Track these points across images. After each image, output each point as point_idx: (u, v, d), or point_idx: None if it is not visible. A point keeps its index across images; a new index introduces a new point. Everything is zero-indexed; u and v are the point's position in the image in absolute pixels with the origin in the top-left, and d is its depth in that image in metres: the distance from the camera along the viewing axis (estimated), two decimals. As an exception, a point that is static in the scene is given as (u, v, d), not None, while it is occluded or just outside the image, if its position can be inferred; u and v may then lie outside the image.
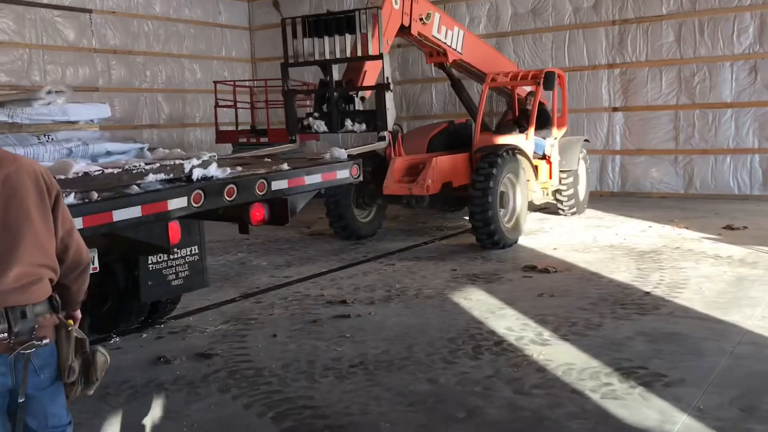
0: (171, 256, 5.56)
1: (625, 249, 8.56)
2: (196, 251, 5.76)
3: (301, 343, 5.43)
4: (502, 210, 8.52)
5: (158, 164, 3.87)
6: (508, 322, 5.77)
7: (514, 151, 8.73)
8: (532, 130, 9.40)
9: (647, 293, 6.52)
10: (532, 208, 10.86)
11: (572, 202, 10.52)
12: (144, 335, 5.80)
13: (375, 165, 9.08)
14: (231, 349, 5.35)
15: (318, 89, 7.57)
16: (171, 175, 3.88)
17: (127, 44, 16.31)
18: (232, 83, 15.06)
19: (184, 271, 5.69)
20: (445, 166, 8.69)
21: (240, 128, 14.78)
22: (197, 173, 3.94)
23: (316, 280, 7.59)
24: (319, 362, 4.98)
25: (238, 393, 4.48)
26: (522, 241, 9.18)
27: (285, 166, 4.53)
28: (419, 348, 5.21)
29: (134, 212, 3.41)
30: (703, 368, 4.59)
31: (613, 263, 7.82)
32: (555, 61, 14.49)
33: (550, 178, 9.85)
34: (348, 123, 7.19)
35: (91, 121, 4.30)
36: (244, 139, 14.12)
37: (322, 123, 7.35)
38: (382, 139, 6.84)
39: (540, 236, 9.54)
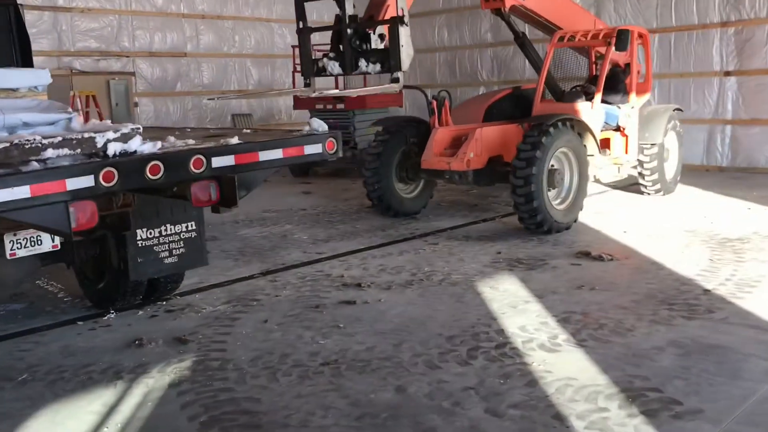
0: (163, 232, 5.24)
1: (705, 235, 7.45)
2: (193, 227, 5.40)
3: (287, 333, 4.98)
4: (551, 190, 7.61)
5: (60, 138, 3.49)
6: (525, 320, 5.04)
7: (569, 122, 7.73)
8: (598, 97, 8.33)
9: (707, 291, 5.54)
10: (608, 185, 9.83)
11: (656, 178, 9.34)
12: (140, 313, 5.56)
13: (420, 135, 8.41)
14: (213, 335, 4.99)
15: (333, 26, 6.82)
16: (78, 150, 3.49)
17: (216, 9, 16.31)
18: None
19: (178, 248, 5.36)
20: (492, 137, 7.86)
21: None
22: (114, 148, 3.52)
23: (347, 259, 7.11)
24: (293, 357, 4.51)
25: (187, 388, 4.10)
26: (591, 221, 8.26)
27: (234, 140, 4.03)
28: (409, 346, 4.62)
29: (21, 193, 3.03)
30: (733, 397, 3.71)
31: (684, 252, 6.80)
32: (660, 19, 13.05)
33: (626, 152, 8.75)
34: (362, 64, 6.37)
35: (35, 88, 3.99)
36: (321, 106, 13.73)
37: (336, 64, 6.57)
38: (396, 81, 6.09)
39: (613, 217, 8.54)
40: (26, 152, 3.24)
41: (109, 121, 3.88)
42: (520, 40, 9.12)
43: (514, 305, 5.40)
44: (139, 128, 3.56)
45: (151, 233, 5.20)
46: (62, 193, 3.11)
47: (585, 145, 7.92)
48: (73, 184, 3.14)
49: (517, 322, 5.02)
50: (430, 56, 17.51)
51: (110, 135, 3.43)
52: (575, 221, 7.93)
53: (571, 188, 7.88)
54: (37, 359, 4.65)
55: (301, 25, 6.58)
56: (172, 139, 4.00)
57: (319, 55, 7.20)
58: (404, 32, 5.98)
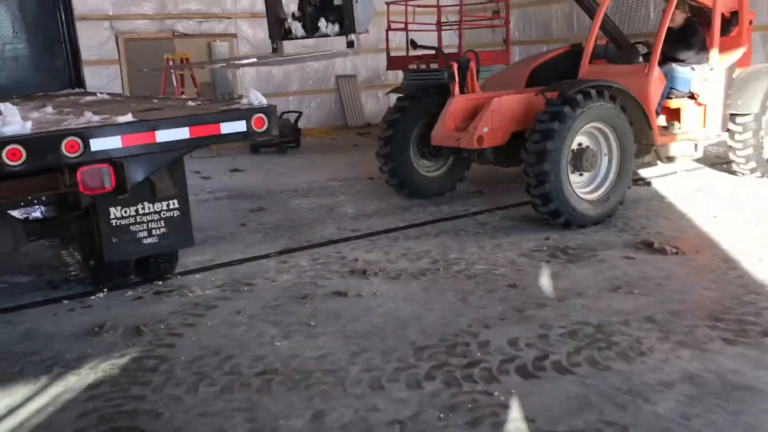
0: (140, 210, 4.90)
1: (814, 226, 6.06)
2: (176, 205, 5.02)
3: (250, 329, 4.48)
4: (578, 173, 6.37)
5: None
6: (522, 330, 4.21)
7: (604, 90, 6.28)
8: (656, 57, 6.81)
9: (775, 306, 4.39)
10: (698, 162, 8.39)
11: (749, 154, 7.58)
12: (128, 293, 5.29)
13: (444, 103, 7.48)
14: (176, 326, 4.59)
15: None
16: None
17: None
18: (404, 3, 13.83)
19: (159, 228, 5.01)
20: (514, 108, 6.63)
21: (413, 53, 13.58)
22: None
23: (377, 239, 6.48)
24: (234, 361, 4.01)
25: (102, 392, 3.72)
26: (680, 202, 7.05)
27: (123, 119, 3.49)
28: (368, 357, 3.96)
29: None
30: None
31: (772, 248, 5.53)
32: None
33: (704, 125, 7.23)
34: (322, 24, 5.17)
35: None
36: (414, 66, 12.96)
37: (300, 25, 5.38)
38: (350, 45, 5.18)
39: (699, 200, 7.23)
40: None
41: None
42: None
43: (521, 309, 4.55)
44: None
45: (126, 212, 4.87)
46: None
47: (631, 121, 6.50)
48: None
49: (511, 332, 4.19)
50: (545, 8, 16.07)
51: None
52: (610, 216, 6.49)
53: (609, 174, 6.48)
54: (-7, 343, 4.48)
55: None
56: (88, 114, 3.56)
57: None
58: None
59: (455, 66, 7.07)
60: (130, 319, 4.76)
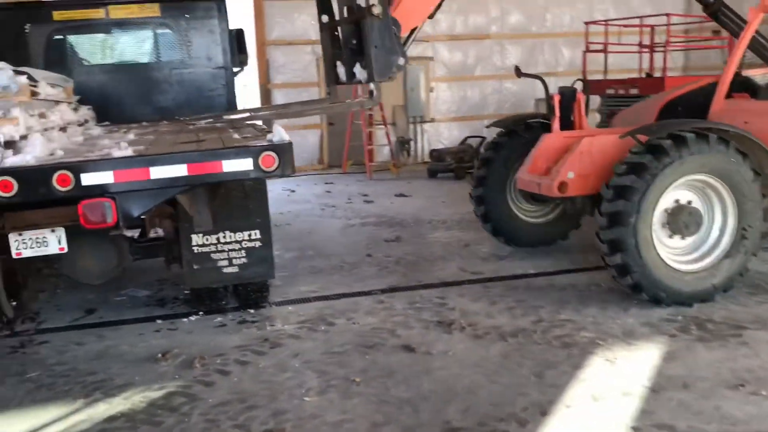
0: (221, 239, 4.89)
1: None
2: (257, 236, 4.97)
3: (293, 378, 4.20)
4: (681, 239, 5.15)
5: None
6: (577, 427, 3.43)
7: (716, 132, 5.00)
8: None
9: None
10: None
11: None
12: (216, 319, 5.29)
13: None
14: (228, 363, 4.45)
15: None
16: None
17: (528, -15, 15.24)
18: (604, 23, 12.77)
19: (240, 257, 4.98)
20: (609, 150, 5.42)
21: (615, 77, 12.46)
22: None
23: (493, 285, 5.88)
24: (250, 413, 3.75)
25: (111, 428, 3.66)
26: None
27: (119, 152, 3.33)
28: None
29: None
30: None
31: None
32: None
33: None
34: (357, 69, 4.91)
35: (4, 88, 3.86)
36: (612, 91, 11.87)
37: (343, 71, 5.17)
38: (370, 95, 4.54)
39: None
40: None
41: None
42: (713, 7, 6.39)
43: (598, 396, 3.74)
44: None
45: (207, 240, 4.89)
46: None
47: (757, 172, 5.08)
48: None
49: (569, 426, 3.43)
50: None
51: None
52: (725, 290, 5.14)
53: (722, 239, 5.14)
54: (71, 358, 4.68)
55: (324, 19, 5.36)
56: (121, 146, 3.53)
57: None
58: (376, 27, 4.57)
59: (556, 98, 6.20)
60: (197, 348, 4.71)
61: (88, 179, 3.04)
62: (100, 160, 3.11)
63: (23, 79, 3.91)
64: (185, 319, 5.33)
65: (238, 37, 8.56)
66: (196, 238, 4.90)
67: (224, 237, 4.92)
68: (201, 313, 5.40)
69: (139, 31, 7.65)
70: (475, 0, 14.96)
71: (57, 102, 5.05)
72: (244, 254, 4.98)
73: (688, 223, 5.10)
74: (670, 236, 5.14)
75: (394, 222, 8.64)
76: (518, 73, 7.27)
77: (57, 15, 7.23)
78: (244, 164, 3.20)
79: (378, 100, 4.95)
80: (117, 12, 7.41)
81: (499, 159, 6.68)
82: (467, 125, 15.07)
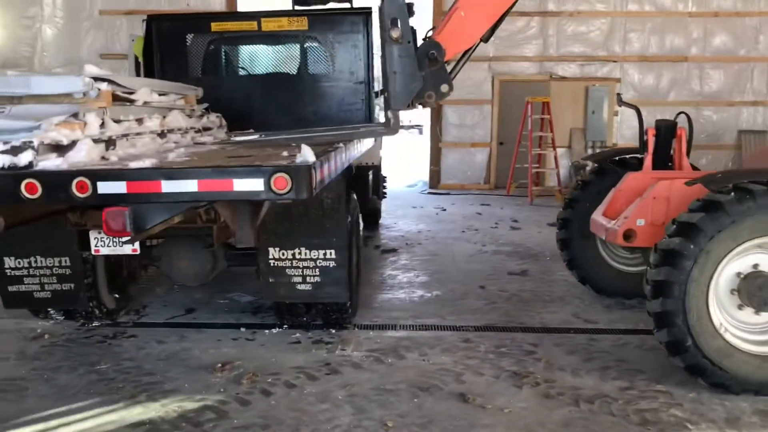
0: (297, 255, 4.83)
1: None
2: (332, 256, 4.83)
3: (327, 411, 3.97)
4: (754, 314, 4.11)
5: None
6: None
7: None
8: None
9: None
10: None
11: None
12: (296, 335, 5.22)
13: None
14: (277, 383, 4.33)
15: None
16: None
17: (736, 5, 13.70)
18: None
19: (313, 276, 4.88)
20: (689, 197, 4.35)
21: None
22: (2, 161, 3.27)
23: (603, 338, 5.22)
24: (267, 442, 3.59)
25: (133, 432, 3.69)
26: None
27: (134, 164, 3.23)
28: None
29: None
30: None
31: None
32: None
33: None
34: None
35: (69, 94, 3.99)
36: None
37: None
38: (386, 123, 3.95)
39: None
40: None
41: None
42: None
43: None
44: (32, 142, 3.27)
45: (284, 254, 4.85)
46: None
47: None
48: None
49: None
50: None
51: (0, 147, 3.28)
52: None
53: None
54: (143, 355, 4.85)
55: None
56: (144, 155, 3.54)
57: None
58: (399, 54, 4.02)
59: (651, 132, 5.29)
60: (258, 363, 4.67)
61: (104, 188, 3.08)
62: (115, 169, 3.13)
63: (104, 85, 4.09)
64: (267, 331, 5.32)
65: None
66: (273, 252, 4.86)
67: (300, 253, 4.83)
68: (285, 326, 5.36)
69: (288, 43, 7.86)
70: (673, 19, 13.73)
71: (169, 108, 5.28)
72: (317, 273, 4.86)
73: (759, 295, 4.11)
74: (740, 308, 4.19)
75: (530, 254, 8.07)
76: (619, 101, 6.46)
77: (214, 26, 7.63)
78: (256, 184, 3.06)
79: (395, 130, 4.60)
80: (268, 24, 7.65)
81: (586, 199, 5.95)
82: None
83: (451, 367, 4.60)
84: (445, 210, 11.37)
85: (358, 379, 4.41)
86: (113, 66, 12.67)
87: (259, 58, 8.16)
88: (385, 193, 10.19)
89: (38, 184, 3.09)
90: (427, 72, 4.51)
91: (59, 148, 3.49)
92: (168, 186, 3.07)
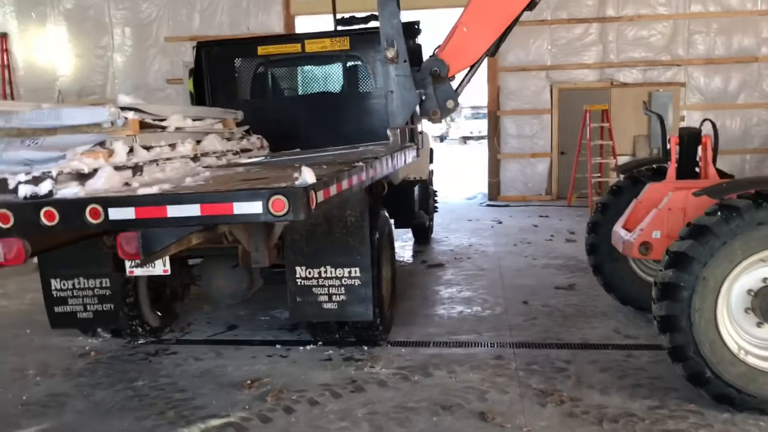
0: (322, 274, 4.92)
1: None
2: (357, 274, 4.89)
3: (343, 430, 4.01)
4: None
5: None
6: None
7: None
8: None
9: None
10: None
11: None
12: (329, 352, 5.30)
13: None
14: (301, 401, 4.40)
15: None
16: None
17: (810, 0, 13.06)
18: None
19: (339, 294, 4.94)
20: (697, 207, 4.18)
21: None
22: (24, 190, 3.45)
23: (641, 354, 5.06)
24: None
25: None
26: None
27: (143, 190, 3.33)
28: None
29: None
30: None
31: None
32: None
33: None
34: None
35: (98, 124, 4.18)
36: None
37: None
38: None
39: None
40: None
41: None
42: None
43: None
44: (50, 172, 3.45)
45: (309, 273, 4.93)
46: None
47: None
48: None
49: None
50: None
51: (22, 177, 3.47)
52: None
53: None
54: (179, 372, 5.01)
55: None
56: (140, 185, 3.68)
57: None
58: (395, 73, 3.96)
59: (674, 140, 5.06)
60: (286, 380, 4.75)
61: (114, 214, 3.22)
62: (124, 196, 3.28)
63: (131, 114, 4.29)
64: (301, 348, 5.41)
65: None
66: (300, 271, 4.95)
67: (325, 272, 4.90)
68: (320, 343, 5.44)
69: (331, 63, 8.00)
70: (740, 19, 13.19)
71: (205, 133, 5.48)
72: (343, 291, 4.91)
73: None
74: (759, 325, 3.96)
75: (580, 267, 7.88)
76: (645, 108, 6.27)
77: (261, 50, 7.85)
78: (255, 207, 3.13)
79: (394, 146, 4.58)
80: (312, 46, 7.82)
81: (616, 205, 5.77)
82: (725, 160, 13.27)
83: (476, 385, 4.56)
84: (500, 223, 11.25)
85: (381, 396, 4.43)
86: (179, 90, 13.19)
87: (304, 79, 8.33)
88: (436, 208, 10.17)
89: (56, 212, 3.27)
90: (431, 89, 4.53)
91: (82, 177, 3.68)
92: (173, 210, 3.19)
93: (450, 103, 4.69)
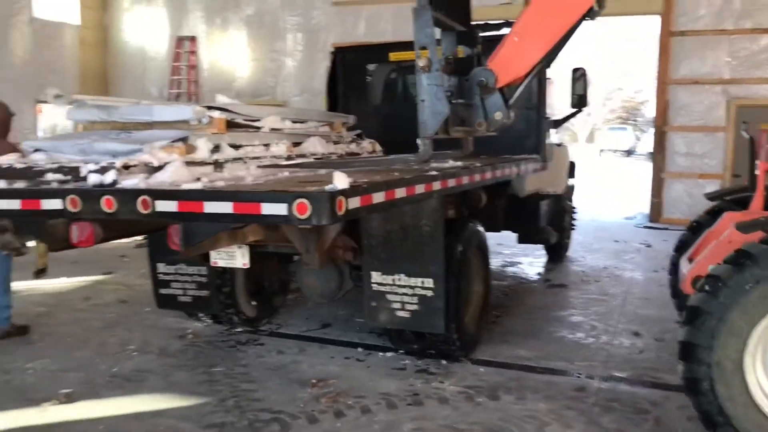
0: (396, 281, 4.88)
1: None
2: (430, 285, 4.80)
3: (385, 439, 3.94)
4: None
5: (56, 165, 3.83)
6: None
7: None
8: None
9: None
10: None
11: None
12: (405, 362, 5.23)
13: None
14: (345, 410, 4.37)
15: None
16: (69, 177, 3.76)
17: None
18: None
19: (411, 303, 4.88)
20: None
21: None
22: (93, 179, 3.65)
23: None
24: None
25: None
26: None
27: (187, 185, 3.36)
28: None
29: (12, 205, 3.71)
30: None
31: None
32: None
33: None
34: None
35: (185, 121, 4.35)
36: None
37: None
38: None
39: None
40: (35, 174, 3.88)
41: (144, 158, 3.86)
42: None
43: None
44: (114, 162, 3.65)
45: (385, 279, 4.93)
46: (38, 210, 3.69)
47: None
48: (47, 204, 3.66)
49: None
50: None
51: (91, 167, 3.72)
52: None
53: None
54: (258, 363, 5.19)
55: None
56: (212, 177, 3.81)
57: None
58: (427, 82, 3.61)
59: (762, 167, 4.22)
60: (351, 383, 4.76)
61: (161, 206, 3.40)
62: (169, 190, 3.44)
63: (216, 113, 4.51)
64: (381, 354, 5.39)
65: (580, 77, 8.18)
66: (376, 276, 4.92)
67: (399, 280, 4.84)
68: (401, 351, 5.38)
69: (463, 70, 7.87)
70: None
71: (305, 135, 5.63)
72: (416, 301, 4.82)
73: None
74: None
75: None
76: (743, 129, 5.47)
77: (393, 56, 7.92)
78: (280, 209, 3.14)
79: (423, 157, 4.29)
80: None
81: (707, 227, 5.07)
82: None
83: (541, 416, 4.26)
84: (649, 246, 10.44)
85: (436, 414, 4.28)
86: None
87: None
88: (573, 225, 9.65)
89: (114, 200, 3.51)
90: (478, 99, 4.31)
91: (154, 169, 3.93)
92: (209, 207, 3.30)
93: (498, 115, 4.45)
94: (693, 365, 3.45)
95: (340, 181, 3.26)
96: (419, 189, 4.07)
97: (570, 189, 9.44)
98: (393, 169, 4.47)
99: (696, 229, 5.30)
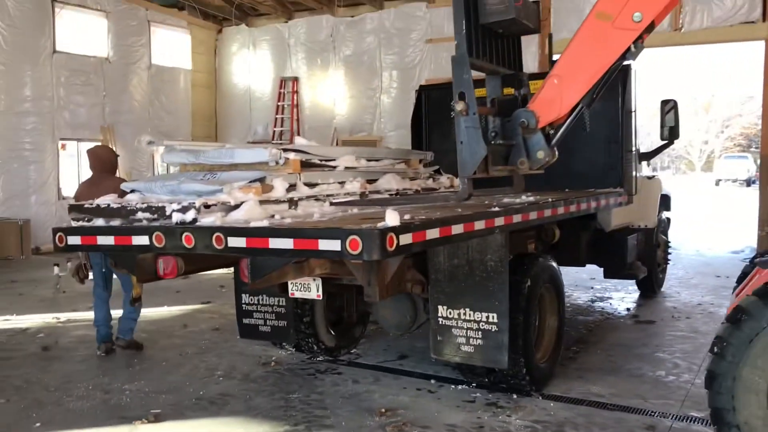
0: (462, 315, 5.01)
1: None
2: (494, 320, 4.89)
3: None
4: None
5: (146, 204, 4.17)
6: None
7: None
8: None
9: None
10: None
11: None
12: (476, 395, 5.30)
13: None
14: (420, 436, 4.52)
15: None
16: (156, 215, 4.09)
17: None
18: None
19: (476, 338, 4.98)
20: None
21: None
22: (176, 217, 3.96)
23: None
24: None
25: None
26: None
27: (255, 223, 3.59)
28: None
29: (108, 240, 4.13)
30: None
31: None
32: None
33: None
34: None
35: (264, 162, 4.64)
36: None
37: None
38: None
39: None
40: (128, 212, 4.27)
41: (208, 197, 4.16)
42: None
43: None
44: (194, 203, 3.98)
45: (450, 313, 5.06)
46: (129, 246, 4.09)
47: None
48: (137, 240, 4.05)
49: None
50: None
51: (174, 206, 4.07)
52: None
53: None
54: (332, 392, 5.42)
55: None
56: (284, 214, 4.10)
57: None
58: (465, 125, 4.21)
59: None
60: (420, 414, 4.88)
61: (232, 242, 3.71)
62: (240, 228, 3.74)
63: (292, 155, 4.84)
64: (452, 386, 5.48)
65: (670, 109, 8.04)
66: (442, 310, 5.05)
67: (465, 314, 4.94)
68: (473, 385, 5.46)
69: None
70: None
71: (381, 172, 5.89)
72: (480, 336, 4.90)
73: None
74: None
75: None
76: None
77: (476, 92, 8.08)
78: (335, 245, 3.36)
79: (462, 196, 4.31)
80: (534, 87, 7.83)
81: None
82: None
83: (604, 453, 4.23)
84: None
85: (496, 447, 4.34)
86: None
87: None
88: (668, 260, 9.37)
89: (192, 237, 3.87)
90: (520, 139, 4.40)
91: (231, 208, 4.28)
92: (273, 243, 3.58)
93: (541, 154, 4.52)
94: (723, 428, 3.38)
95: (392, 218, 3.46)
96: (479, 225, 4.21)
97: (664, 222, 9.20)
98: (434, 206, 4.65)
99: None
